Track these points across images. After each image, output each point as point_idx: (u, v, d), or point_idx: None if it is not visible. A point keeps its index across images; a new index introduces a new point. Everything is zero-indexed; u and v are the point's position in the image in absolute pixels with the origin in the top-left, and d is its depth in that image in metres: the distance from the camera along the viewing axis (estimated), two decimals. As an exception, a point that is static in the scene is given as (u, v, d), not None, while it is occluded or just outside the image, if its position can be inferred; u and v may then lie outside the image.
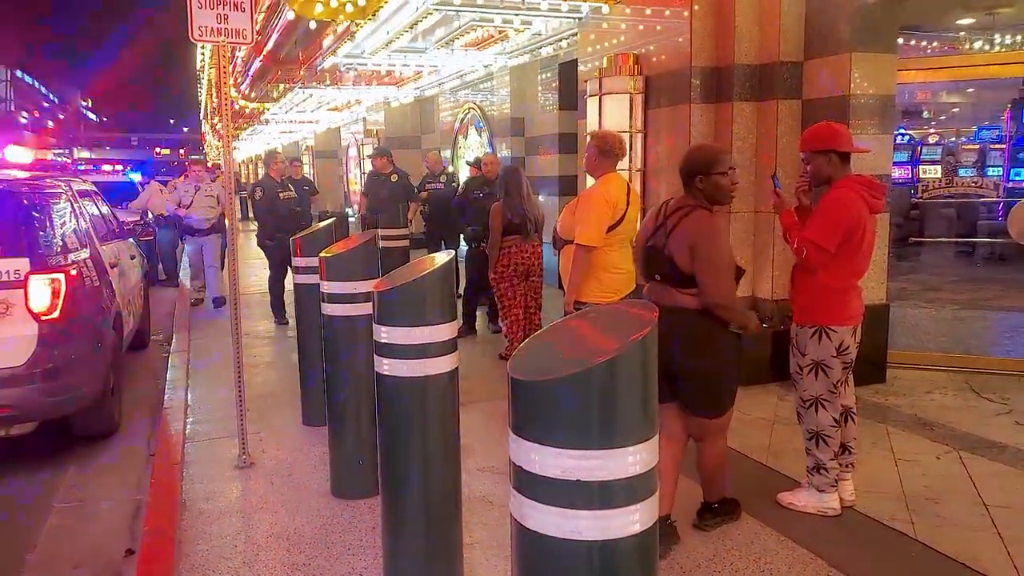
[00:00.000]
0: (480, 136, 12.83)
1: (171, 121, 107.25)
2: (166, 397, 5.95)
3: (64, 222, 5.35)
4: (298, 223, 8.67)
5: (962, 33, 10.35)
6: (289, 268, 8.68)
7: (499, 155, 11.96)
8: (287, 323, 8.50)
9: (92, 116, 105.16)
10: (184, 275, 12.01)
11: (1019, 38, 10.68)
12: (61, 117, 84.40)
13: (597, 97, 6.83)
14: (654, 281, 3.40)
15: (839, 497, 3.73)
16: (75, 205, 5.79)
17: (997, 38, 10.49)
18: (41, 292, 4.55)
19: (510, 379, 1.68)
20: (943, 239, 11.86)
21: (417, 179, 9.74)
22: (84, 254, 5.31)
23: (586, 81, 7.21)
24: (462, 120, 13.52)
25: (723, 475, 3.59)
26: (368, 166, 11.04)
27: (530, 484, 1.67)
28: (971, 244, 11.69)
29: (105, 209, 6.98)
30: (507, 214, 6.39)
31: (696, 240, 3.22)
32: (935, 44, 10.65)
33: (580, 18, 7.48)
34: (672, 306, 3.22)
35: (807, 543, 3.43)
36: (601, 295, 4.34)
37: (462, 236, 8.62)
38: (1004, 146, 12.50)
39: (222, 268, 9.92)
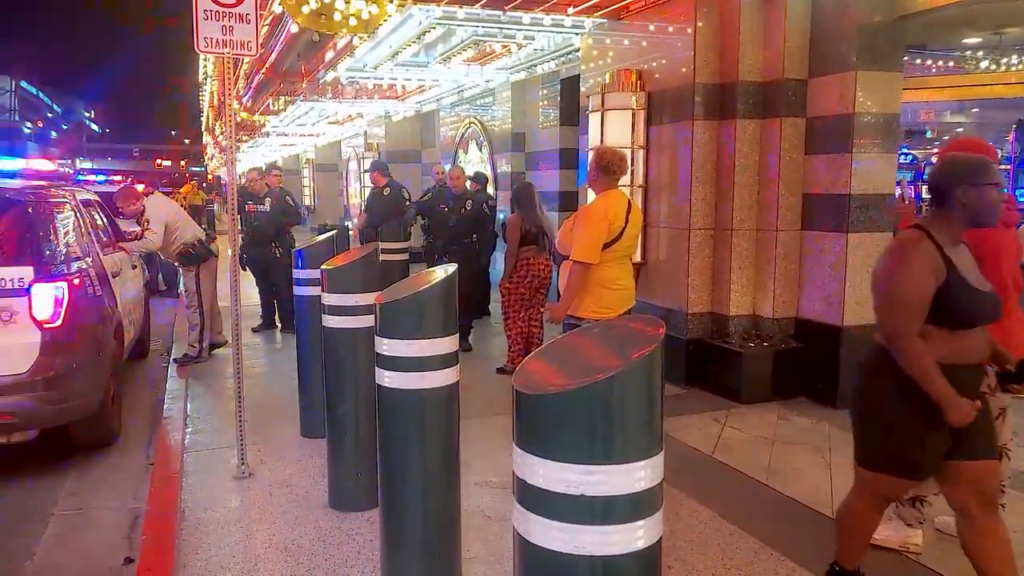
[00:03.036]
0: (480, 151, 12.85)
1: (173, 132, 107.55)
2: (165, 407, 5.93)
3: (68, 231, 5.36)
4: (263, 240, 8.58)
5: (968, 52, 10.32)
6: (272, 285, 8.72)
7: (499, 170, 12.02)
8: (259, 331, 8.77)
9: (95, 127, 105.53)
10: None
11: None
12: (65, 128, 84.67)
13: (599, 113, 6.85)
14: None
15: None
16: (78, 214, 5.80)
17: (1004, 59, 10.46)
18: (44, 300, 4.55)
19: (515, 392, 1.68)
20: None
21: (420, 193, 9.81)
22: (87, 263, 5.31)
23: (588, 96, 7.22)
24: (463, 134, 13.55)
25: (850, 538, 3.08)
26: (368, 180, 11.08)
27: (534, 498, 1.66)
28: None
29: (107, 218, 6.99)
30: (524, 225, 6.42)
31: (877, 264, 2.82)
32: (940, 63, 10.66)
33: (583, 34, 7.51)
34: None
35: (816, 570, 3.37)
36: (598, 311, 4.32)
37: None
38: (1009, 167, 12.52)
39: (200, 321, 7.35)
